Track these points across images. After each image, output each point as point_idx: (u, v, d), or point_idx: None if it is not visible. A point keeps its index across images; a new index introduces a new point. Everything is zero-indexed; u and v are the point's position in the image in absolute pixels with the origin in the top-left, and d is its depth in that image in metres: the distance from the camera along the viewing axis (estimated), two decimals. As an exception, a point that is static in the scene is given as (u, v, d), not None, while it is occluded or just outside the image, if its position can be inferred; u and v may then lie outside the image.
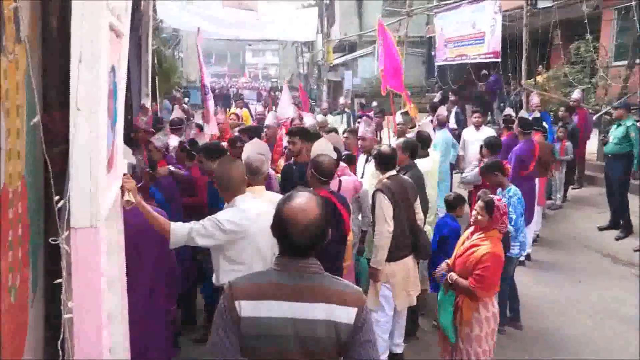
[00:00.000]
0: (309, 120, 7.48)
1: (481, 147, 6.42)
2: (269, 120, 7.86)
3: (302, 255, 1.88)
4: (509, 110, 9.17)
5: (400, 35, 17.67)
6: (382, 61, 8.57)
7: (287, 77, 35.23)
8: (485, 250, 3.65)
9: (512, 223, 4.85)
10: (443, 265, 3.97)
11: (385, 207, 4.15)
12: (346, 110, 13.39)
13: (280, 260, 1.91)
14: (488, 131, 8.22)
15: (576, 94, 9.81)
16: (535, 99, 10.41)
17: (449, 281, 3.82)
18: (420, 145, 5.77)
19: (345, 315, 1.84)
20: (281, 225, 1.85)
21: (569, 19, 11.70)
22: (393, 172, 4.39)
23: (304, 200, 1.88)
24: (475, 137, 8.17)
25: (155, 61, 11.21)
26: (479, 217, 3.79)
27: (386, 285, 4.29)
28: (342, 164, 5.18)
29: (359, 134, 6.30)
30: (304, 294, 1.84)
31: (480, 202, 3.82)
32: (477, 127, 8.48)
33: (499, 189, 5.03)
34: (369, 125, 5.96)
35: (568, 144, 8.86)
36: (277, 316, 1.82)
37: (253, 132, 6.28)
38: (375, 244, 4.20)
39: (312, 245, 1.87)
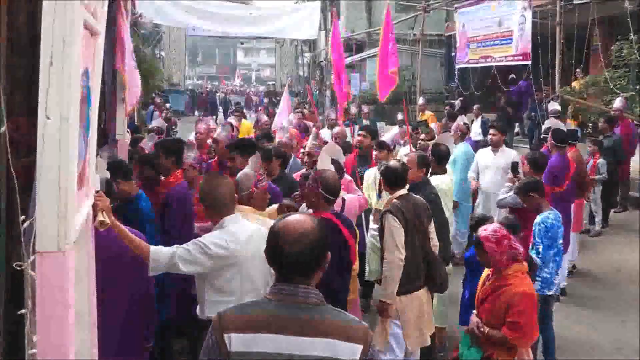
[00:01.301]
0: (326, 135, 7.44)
1: (514, 164, 6.31)
2: (218, 132, 6.78)
3: (298, 277, 1.93)
4: (551, 122, 8.87)
5: (415, 34, 17.92)
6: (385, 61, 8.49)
7: (287, 81, 35.49)
8: (513, 290, 3.57)
9: (539, 255, 4.88)
10: (473, 318, 3.84)
11: (395, 232, 4.18)
12: (363, 120, 12.93)
13: (276, 289, 1.96)
14: (509, 153, 7.57)
15: (618, 103, 9.88)
16: (553, 106, 10.43)
17: (479, 334, 3.71)
18: (437, 160, 5.82)
19: (349, 352, 1.88)
20: (273, 240, 1.94)
21: (609, 16, 11.83)
22: (403, 191, 4.44)
23: (299, 216, 2.02)
24: (491, 161, 7.59)
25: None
26: (481, 260, 3.76)
27: (396, 322, 4.31)
28: (346, 177, 5.24)
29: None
30: (303, 328, 1.88)
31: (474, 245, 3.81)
32: (495, 147, 7.62)
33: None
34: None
35: (600, 160, 8.77)
36: (271, 351, 1.86)
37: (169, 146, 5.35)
38: (385, 274, 4.22)
39: (309, 264, 1.93)
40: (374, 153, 6.52)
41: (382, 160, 6.01)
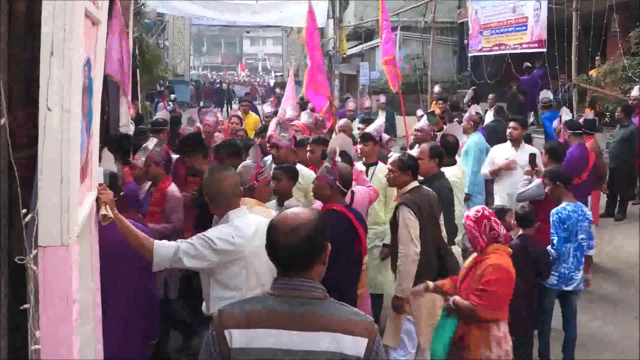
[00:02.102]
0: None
1: (532, 156, 6.25)
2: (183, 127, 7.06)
3: (297, 271, 1.95)
4: (564, 111, 8.41)
5: (426, 21, 17.84)
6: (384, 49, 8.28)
7: (292, 69, 35.30)
8: (488, 262, 3.69)
9: (553, 247, 4.88)
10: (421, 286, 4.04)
11: (411, 225, 4.20)
12: (379, 111, 12.25)
13: (277, 284, 1.98)
14: (529, 150, 6.91)
15: (636, 91, 9.79)
16: (546, 95, 10.37)
17: (452, 306, 3.82)
18: (446, 151, 5.81)
19: (354, 346, 1.89)
20: (270, 234, 1.97)
21: (628, 2, 11.72)
22: (416, 184, 4.44)
23: (297, 208, 2.07)
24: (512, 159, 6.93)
25: (137, 51, 11.34)
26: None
27: (409, 318, 4.31)
28: (357, 167, 5.25)
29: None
30: (306, 322, 1.90)
31: None
32: (515, 142, 7.00)
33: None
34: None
35: None
36: (273, 347, 1.87)
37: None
38: (400, 268, 4.23)
39: (306, 257, 1.95)
40: (358, 147, 6.21)
41: (367, 154, 5.82)
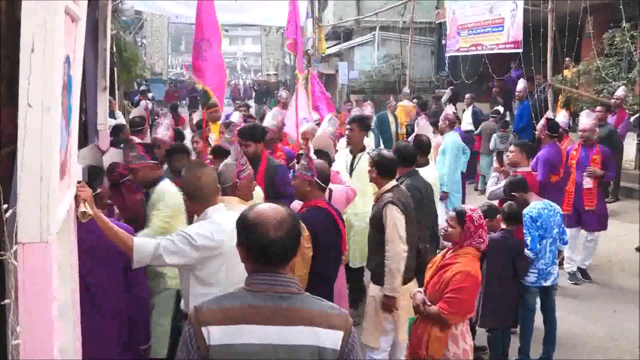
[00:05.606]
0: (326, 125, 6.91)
1: (499, 153, 6.43)
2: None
3: (280, 264, 1.97)
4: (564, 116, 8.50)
5: (405, 21, 17.93)
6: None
7: (271, 70, 35.12)
8: (458, 269, 3.70)
9: (527, 246, 4.97)
10: (418, 295, 3.94)
11: (399, 223, 4.23)
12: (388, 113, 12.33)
13: (254, 279, 1.98)
14: None
15: (620, 92, 9.88)
16: (520, 85, 11.02)
17: (422, 311, 3.83)
18: (420, 151, 5.85)
19: (331, 339, 1.93)
20: (250, 229, 1.96)
21: (602, 3, 11.89)
22: (394, 183, 4.47)
23: (268, 204, 2.05)
24: None
25: (114, 49, 11.23)
26: (449, 230, 3.86)
27: (388, 318, 4.35)
28: (332, 168, 5.29)
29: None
30: (284, 317, 1.92)
31: (451, 212, 3.93)
32: None
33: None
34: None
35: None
36: (253, 342, 1.89)
37: None
38: (390, 267, 4.24)
39: (291, 249, 1.98)
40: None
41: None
